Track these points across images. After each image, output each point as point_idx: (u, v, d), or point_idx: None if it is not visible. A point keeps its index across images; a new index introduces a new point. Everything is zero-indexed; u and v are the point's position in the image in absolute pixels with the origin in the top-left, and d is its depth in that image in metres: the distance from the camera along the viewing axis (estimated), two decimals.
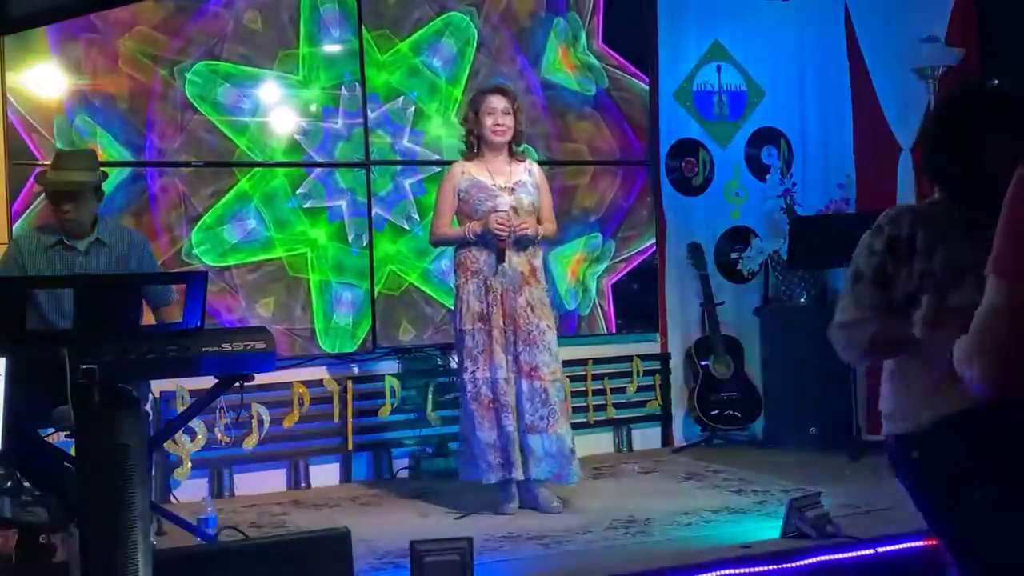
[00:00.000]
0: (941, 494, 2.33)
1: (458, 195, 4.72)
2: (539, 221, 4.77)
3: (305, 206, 5.50)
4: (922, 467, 2.36)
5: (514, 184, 4.72)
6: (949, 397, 2.22)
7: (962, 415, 2.22)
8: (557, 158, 5.93)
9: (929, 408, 2.32)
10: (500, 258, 4.62)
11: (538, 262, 4.76)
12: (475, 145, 4.77)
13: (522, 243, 4.67)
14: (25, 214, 4.96)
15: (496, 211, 4.62)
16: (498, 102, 4.71)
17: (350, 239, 5.57)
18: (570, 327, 5.98)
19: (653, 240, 6.22)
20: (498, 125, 4.69)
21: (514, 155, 4.79)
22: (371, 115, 5.60)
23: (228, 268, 5.35)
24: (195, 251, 5.27)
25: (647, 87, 6.21)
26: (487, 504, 4.69)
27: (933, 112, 2.44)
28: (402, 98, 5.68)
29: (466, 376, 4.67)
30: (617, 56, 6.15)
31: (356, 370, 5.61)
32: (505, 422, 4.60)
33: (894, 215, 2.40)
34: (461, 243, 4.72)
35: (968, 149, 2.36)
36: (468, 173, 4.73)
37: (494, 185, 4.69)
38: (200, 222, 5.30)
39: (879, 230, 2.40)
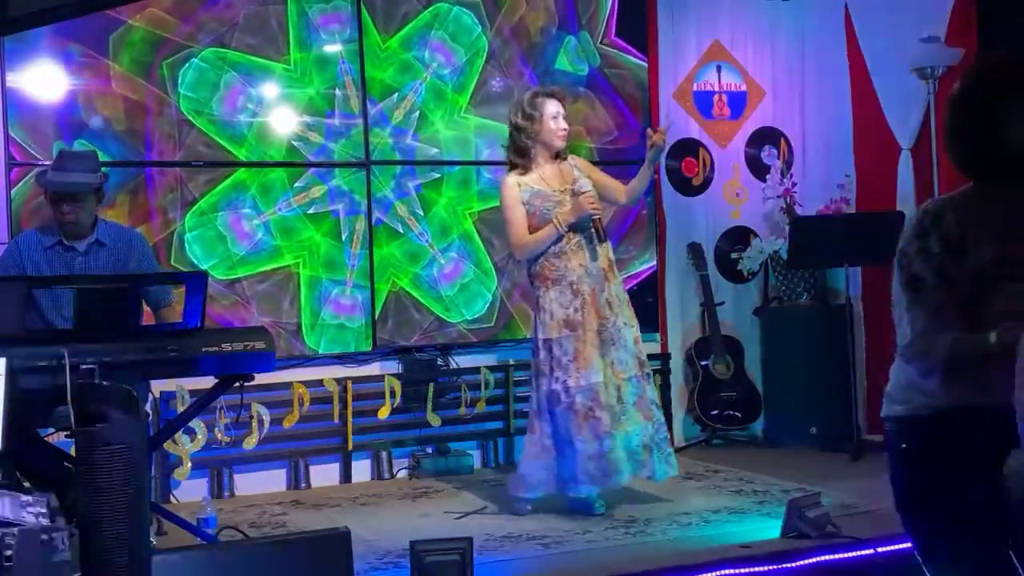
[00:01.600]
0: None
1: (524, 206, 4.59)
2: (613, 190, 4.72)
3: (309, 212, 5.50)
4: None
5: (571, 184, 4.59)
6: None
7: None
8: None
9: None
10: (599, 237, 4.52)
11: (613, 255, 4.67)
12: (527, 150, 4.61)
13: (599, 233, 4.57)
14: (18, 184, 4.96)
15: (580, 193, 4.50)
16: (557, 107, 4.63)
17: (343, 236, 5.56)
18: None
19: (652, 263, 6.20)
20: (564, 130, 4.62)
21: (560, 158, 4.69)
22: (370, 113, 5.60)
23: (238, 280, 5.36)
24: (187, 235, 5.26)
25: (641, 62, 6.18)
26: (487, 504, 4.69)
27: (953, 90, 2.36)
28: (396, 94, 5.67)
29: (556, 386, 4.47)
30: (608, 35, 6.15)
31: (356, 370, 5.61)
32: (602, 429, 4.43)
33: (937, 212, 2.27)
34: (553, 241, 4.52)
35: (984, 124, 2.27)
36: (525, 185, 4.60)
37: (554, 191, 4.58)
38: (195, 207, 5.29)
39: (925, 233, 2.27)
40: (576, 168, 4.69)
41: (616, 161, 6.12)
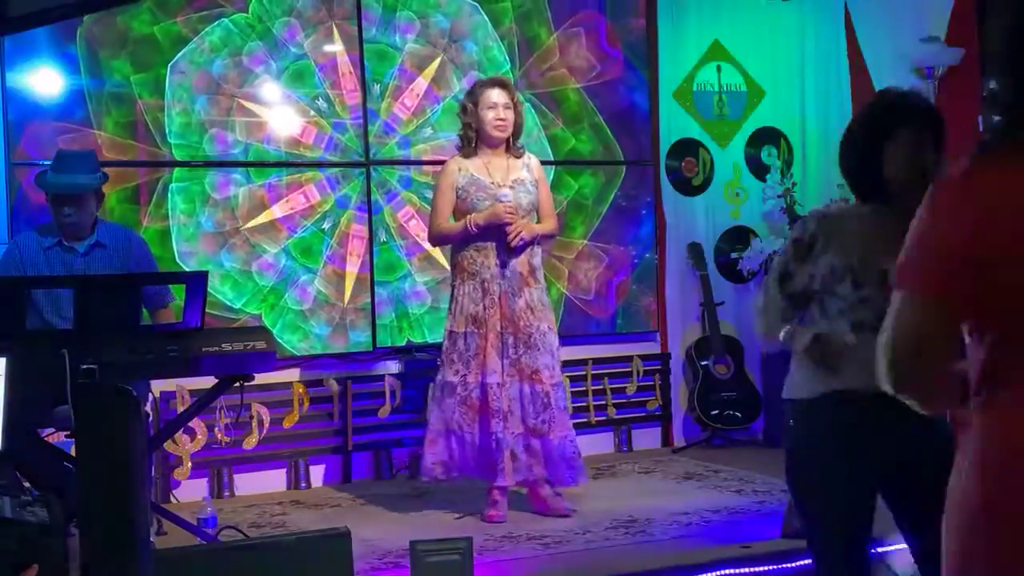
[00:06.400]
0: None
1: (456, 192, 4.59)
2: (539, 218, 4.68)
3: (324, 227, 5.50)
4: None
5: (512, 182, 4.57)
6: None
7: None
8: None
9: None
10: (509, 247, 4.51)
11: (537, 261, 4.63)
12: (472, 140, 4.61)
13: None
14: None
15: (501, 200, 4.51)
16: (499, 96, 4.55)
17: (326, 226, 5.52)
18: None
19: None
20: (500, 120, 4.55)
21: (511, 150, 4.65)
22: (361, 109, 5.57)
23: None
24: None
25: None
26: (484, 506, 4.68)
27: (852, 116, 2.74)
28: (378, 86, 5.64)
29: (456, 379, 4.54)
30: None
31: (356, 370, 5.61)
32: (495, 428, 4.47)
33: (805, 219, 2.72)
34: (462, 239, 4.56)
35: (871, 154, 2.64)
36: (465, 170, 4.58)
37: (492, 183, 4.56)
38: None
39: (792, 233, 2.73)
40: (527, 169, 4.65)
41: (609, 172, 6.14)
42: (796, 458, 2.73)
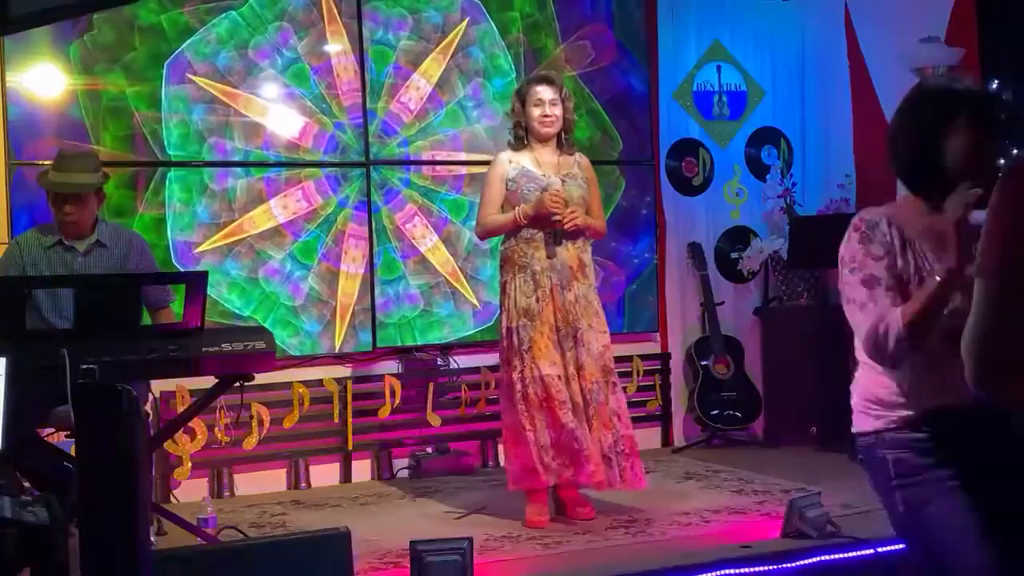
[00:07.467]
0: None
1: (506, 185, 4.54)
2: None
3: (328, 228, 5.50)
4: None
5: (563, 176, 4.53)
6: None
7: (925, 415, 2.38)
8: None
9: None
10: (556, 239, 4.46)
11: (587, 257, 4.55)
12: (523, 137, 4.58)
13: (571, 234, 4.48)
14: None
15: (547, 189, 4.44)
16: (546, 92, 4.52)
17: (324, 224, 5.53)
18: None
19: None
20: (546, 116, 4.51)
21: (563, 147, 4.61)
22: (358, 110, 5.57)
23: None
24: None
25: None
26: (487, 504, 4.68)
27: (899, 106, 2.56)
28: (375, 85, 5.62)
29: (514, 375, 4.42)
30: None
31: (356, 370, 5.61)
32: (565, 419, 4.34)
33: (874, 222, 2.48)
34: (511, 231, 4.50)
35: (929, 144, 2.43)
36: (516, 163, 4.55)
37: (543, 175, 4.51)
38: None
39: (868, 238, 2.46)
40: (578, 167, 4.62)
41: (608, 183, 6.14)
42: (913, 502, 2.40)
